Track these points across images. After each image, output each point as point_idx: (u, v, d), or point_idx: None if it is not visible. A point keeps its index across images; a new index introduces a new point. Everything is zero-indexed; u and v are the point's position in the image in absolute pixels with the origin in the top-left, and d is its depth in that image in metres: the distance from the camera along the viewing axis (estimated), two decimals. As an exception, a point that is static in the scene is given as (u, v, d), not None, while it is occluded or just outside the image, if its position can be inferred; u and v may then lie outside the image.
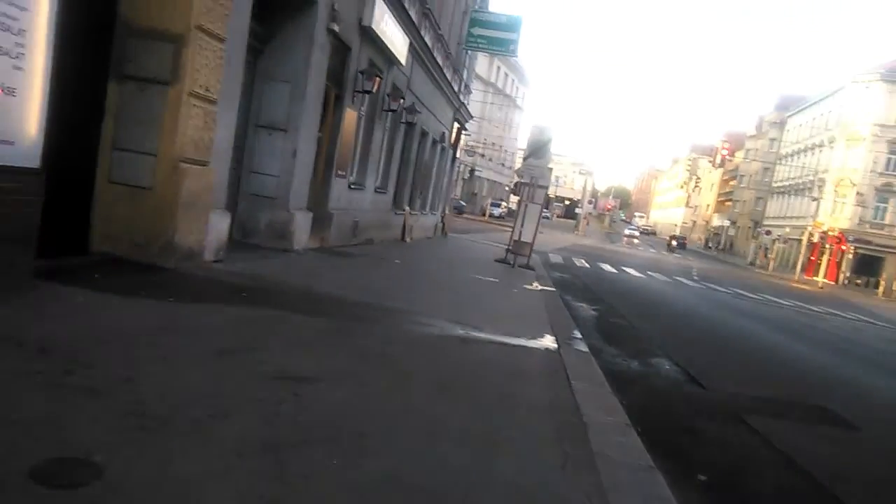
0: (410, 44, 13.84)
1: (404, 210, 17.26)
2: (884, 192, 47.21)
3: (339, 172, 11.56)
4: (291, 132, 9.19)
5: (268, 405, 3.32)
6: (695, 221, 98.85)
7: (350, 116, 11.55)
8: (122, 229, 6.18)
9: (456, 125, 23.38)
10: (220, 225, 7.27)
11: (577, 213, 72.33)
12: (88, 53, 5.89)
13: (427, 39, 15.52)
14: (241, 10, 7.10)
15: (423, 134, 18.61)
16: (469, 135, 41.01)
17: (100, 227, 6.21)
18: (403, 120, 15.48)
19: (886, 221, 47.14)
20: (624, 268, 26.37)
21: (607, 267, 25.00)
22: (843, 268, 47.12)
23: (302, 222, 9.71)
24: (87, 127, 6.14)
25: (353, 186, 12.73)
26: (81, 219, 6.14)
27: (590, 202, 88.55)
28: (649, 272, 26.70)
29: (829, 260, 45.67)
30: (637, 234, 73.88)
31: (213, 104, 6.60)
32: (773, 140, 67.57)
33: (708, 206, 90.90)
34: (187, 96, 6.18)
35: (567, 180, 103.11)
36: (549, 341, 6.63)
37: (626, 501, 2.95)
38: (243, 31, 7.37)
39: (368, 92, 11.65)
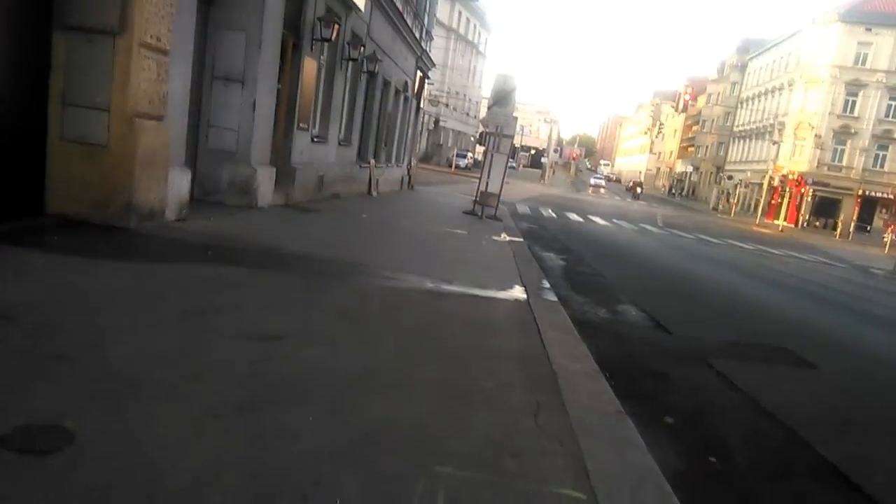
0: (370, -11, 13.44)
1: (369, 163, 17.04)
2: (841, 135, 48.11)
3: (301, 125, 11.30)
4: (249, 84, 8.91)
5: (239, 365, 3.29)
6: (659, 168, 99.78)
7: (309, 66, 11.24)
8: (78, 189, 5.98)
9: (419, 74, 22.95)
10: (180, 182, 7.09)
11: (542, 163, 72.21)
12: (29, 3, 5.58)
13: (387, -16, 15.08)
14: (191, -45, 6.77)
15: (386, 83, 18.25)
16: (432, 84, 40.35)
17: (55, 188, 6.01)
18: (365, 69, 15.13)
19: (844, 164, 48.19)
20: (590, 216, 26.61)
21: (574, 216, 25.19)
22: (803, 210, 48.25)
23: (265, 178, 9.52)
24: (34, 82, 5.87)
25: (315, 139, 12.48)
26: (35, 179, 5.92)
27: (555, 151, 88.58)
28: (615, 220, 27.01)
29: (788, 203, 46.70)
30: (603, 183, 72.77)
31: (164, 55, 6.35)
32: (734, 84, 67.99)
33: (671, 152, 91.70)
34: (138, 46, 5.93)
35: (532, 129, 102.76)
36: (518, 292, 6.68)
37: (596, 445, 3.02)
38: (194, -23, 7.05)
39: (327, 40, 11.32)
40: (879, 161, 47.71)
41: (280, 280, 5.47)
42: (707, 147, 72.98)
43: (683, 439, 3.76)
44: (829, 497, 3.32)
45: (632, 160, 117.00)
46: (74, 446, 2.29)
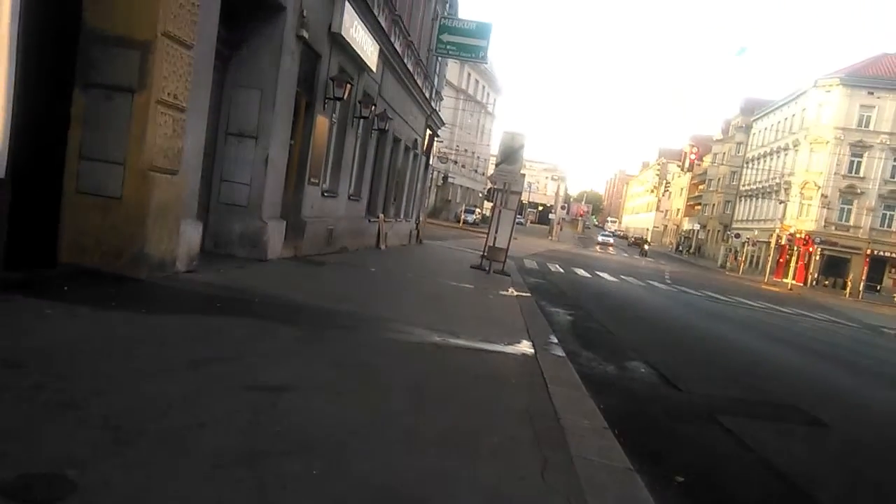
0: (381, 50, 13.84)
1: (378, 217, 17.22)
2: (847, 195, 48.33)
3: (312, 180, 11.49)
4: (262, 139, 9.11)
5: (244, 415, 3.27)
6: (666, 225, 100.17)
7: (321, 123, 11.50)
8: (91, 240, 6.06)
9: (428, 132, 23.42)
10: (191, 234, 7.18)
11: (550, 219, 72.69)
12: (53, 61, 5.78)
13: (397, 46, 15.54)
14: (208, 16, 7.03)
15: (396, 140, 18.60)
16: (441, 141, 41.08)
17: (68, 238, 6.09)
18: (375, 127, 15.46)
19: (851, 223, 48.23)
20: (598, 272, 26.59)
21: (581, 271, 25.19)
22: (811, 269, 48.07)
23: (275, 231, 9.62)
24: (53, 136, 6.02)
25: (326, 194, 12.66)
26: (49, 230, 6.00)
27: (563, 207, 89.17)
28: (622, 276, 26.97)
29: (797, 262, 46.59)
30: (612, 240, 70.37)
31: (181, 112, 6.52)
32: (739, 144, 68.81)
33: (678, 210, 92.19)
34: (155, 104, 6.10)
35: (540, 186, 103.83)
36: (525, 346, 6.64)
37: (605, 502, 2.96)
38: (211, 37, 7.29)
39: (339, 99, 11.61)
40: (887, 221, 47.76)
41: (287, 332, 5.48)
42: (714, 205, 73.39)
43: (693, 498, 3.68)
44: (845, 561, 3.23)
45: (639, 217, 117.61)
46: (76, 495, 2.27)
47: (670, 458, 4.34)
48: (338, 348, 5.22)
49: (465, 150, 64.79)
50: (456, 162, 62.81)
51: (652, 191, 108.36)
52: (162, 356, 4.08)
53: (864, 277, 45.09)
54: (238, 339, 4.86)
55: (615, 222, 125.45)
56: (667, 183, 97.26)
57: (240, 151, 9.14)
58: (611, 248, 62.42)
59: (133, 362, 3.85)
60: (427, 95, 21.12)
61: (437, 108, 24.20)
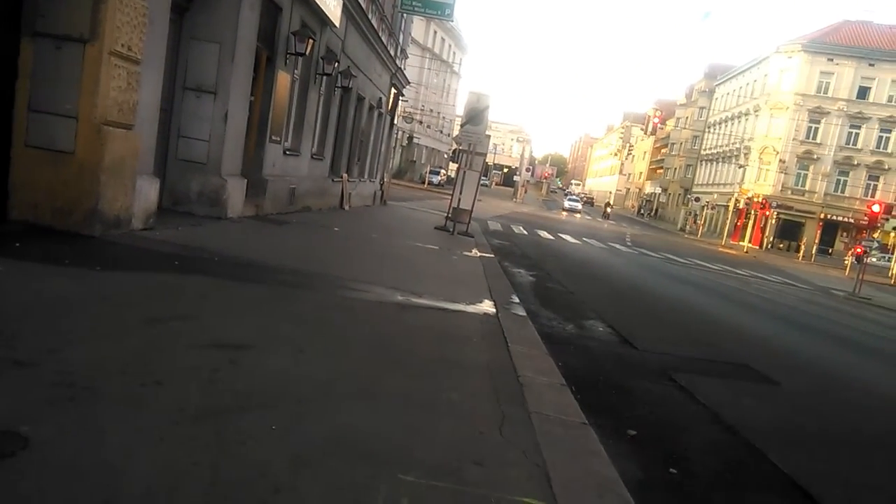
0: (344, 5, 13.50)
1: (342, 177, 17.02)
2: (804, 160, 49.39)
3: (274, 138, 11.27)
4: (221, 95, 8.87)
5: (202, 372, 3.26)
6: (628, 189, 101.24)
7: (283, 79, 11.24)
8: (43, 196, 5.89)
9: (393, 91, 23.07)
10: (148, 191, 7.01)
11: (515, 181, 72.70)
12: (-3, 7, 5.52)
13: (361, 1, 15.17)
14: (165, -36, 6.76)
15: (360, 99, 18.30)
16: (406, 101, 40.56)
17: (19, 195, 5.90)
18: (339, 84, 15.17)
19: (807, 188, 49.43)
20: (561, 234, 26.85)
21: (545, 234, 25.41)
22: (767, 233, 49.30)
23: (235, 189, 9.45)
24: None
25: (288, 152, 12.45)
26: (-3, 185, 5.81)
27: (527, 170, 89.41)
28: (585, 238, 27.29)
29: (753, 225, 47.69)
30: (579, 206, 63.18)
31: (136, 64, 6.30)
32: (702, 108, 69.49)
33: (641, 173, 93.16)
34: (108, 55, 5.88)
35: (505, 148, 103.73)
36: (487, 306, 6.72)
37: (559, 455, 3.05)
38: (168, -13, 7.03)
39: (301, 54, 11.33)
40: (840, 186, 49.05)
41: (247, 290, 5.43)
42: (675, 169, 74.32)
43: (645, 451, 3.81)
44: (785, 508, 3.40)
45: (602, 181, 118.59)
46: (28, 451, 2.25)
47: (624, 413, 4.47)
48: (299, 307, 5.20)
49: (431, 111, 64.12)
50: (421, 122, 62.16)
51: (615, 154, 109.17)
52: (117, 314, 4.02)
53: (817, 241, 46.51)
54: (196, 297, 4.81)
55: (579, 185, 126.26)
56: (630, 146, 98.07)
57: (198, 107, 8.90)
58: (578, 216, 55.04)
59: (87, 320, 3.78)
60: (392, 53, 20.74)
61: (402, 67, 23.81)
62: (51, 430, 2.42)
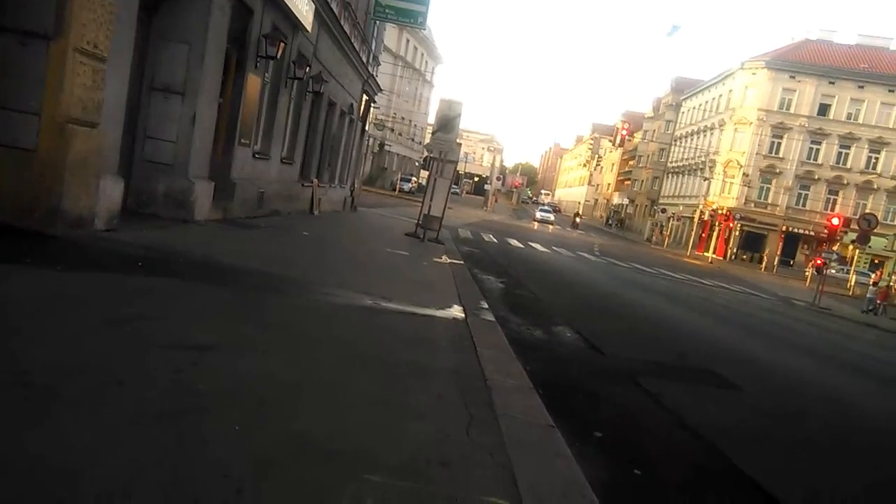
0: (316, 10, 13.46)
1: (312, 182, 16.91)
2: (767, 174, 50.54)
3: (243, 141, 11.16)
4: (190, 96, 8.76)
5: (164, 374, 3.20)
6: (597, 199, 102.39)
7: (253, 82, 11.15)
8: (3, 194, 5.74)
9: (365, 97, 23.03)
10: (112, 191, 6.88)
11: (485, 190, 72.94)
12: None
13: (333, 6, 15.13)
14: (133, -38, 6.67)
15: (331, 104, 18.23)
16: (378, 108, 40.55)
17: (-24, 192, 5.74)
18: (310, 89, 15.08)
19: (769, 201, 50.55)
20: (530, 243, 27.02)
21: (514, 242, 25.53)
22: (731, 244, 50.29)
23: (203, 191, 9.32)
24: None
25: (257, 156, 12.33)
26: (-46, 182, 5.64)
27: (498, 179, 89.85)
28: (554, 247, 27.49)
29: (717, 236, 48.61)
30: (552, 218, 58.66)
31: (101, 62, 6.19)
32: (668, 122, 70.71)
33: (609, 184, 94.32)
34: (73, 52, 5.78)
35: (476, 157, 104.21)
36: (456, 311, 6.72)
37: (526, 457, 3.06)
38: (136, -15, 6.93)
39: (272, 58, 11.25)
40: (802, 200, 50.28)
41: (213, 292, 5.35)
42: (642, 181, 75.43)
43: (610, 453, 3.84)
44: (746, 508, 3.45)
45: (572, 191, 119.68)
46: (-18, 451, 2.18)
47: (591, 416, 4.50)
48: (266, 310, 5.14)
49: (403, 118, 64.18)
50: (393, 130, 62.15)
51: (584, 165, 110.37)
52: (78, 314, 3.92)
53: (779, 252, 47.53)
54: (160, 299, 4.72)
55: (548, 195, 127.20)
56: (599, 157, 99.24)
57: (166, 107, 8.77)
58: (551, 228, 50.40)
59: (47, 320, 3.68)
60: (364, 59, 20.72)
61: (375, 74, 23.79)
62: (7, 431, 2.35)
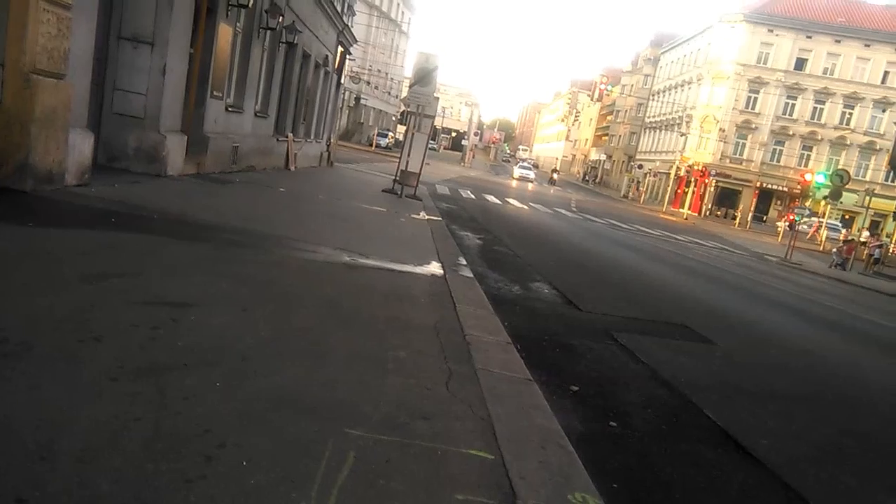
0: (290, -43, 13.05)
1: (287, 136, 16.64)
2: (743, 129, 50.80)
3: (215, 93, 10.90)
4: (159, 46, 8.50)
5: (143, 330, 3.17)
6: (574, 155, 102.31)
7: (225, 32, 10.83)
8: (-34, 148, 5.56)
9: (340, 49, 22.53)
10: (81, 145, 6.71)
11: (463, 145, 72.41)
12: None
13: (308, -47, 14.69)
14: None
15: (305, 56, 17.82)
16: (354, 60, 39.77)
17: (-62, 146, 5.56)
18: (283, 39, 14.71)
19: (745, 157, 50.94)
20: (508, 199, 27.03)
21: (492, 198, 25.52)
22: (706, 200, 50.79)
23: (175, 145, 9.14)
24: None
25: (230, 109, 12.07)
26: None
27: (476, 134, 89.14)
28: (531, 204, 27.55)
29: (693, 193, 49.02)
30: (533, 175, 57.18)
31: (66, 9, 5.96)
32: (647, 76, 70.39)
33: (587, 140, 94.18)
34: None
35: (454, 111, 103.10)
36: (435, 267, 6.73)
37: (504, 409, 3.11)
38: (100, -72, 6.63)
39: (244, 6, 10.93)
40: (776, 156, 50.74)
41: (189, 249, 5.29)
42: (620, 136, 75.40)
43: (587, 405, 3.92)
44: (716, 456, 3.56)
45: (549, 146, 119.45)
46: (-42, 409, 2.16)
47: (568, 370, 4.58)
48: (244, 266, 5.10)
49: (379, 71, 63.06)
50: (369, 83, 61.10)
51: (562, 120, 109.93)
52: (53, 270, 3.86)
53: (752, 209, 48.16)
54: (136, 255, 4.66)
55: (526, 150, 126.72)
56: (577, 113, 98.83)
57: (135, 58, 8.51)
58: (531, 186, 49.46)
59: (20, 277, 3.62)
60: (338, 9, 20.20)
61: (350, 24, 23.24)
62: (-19, 387, 2.32)
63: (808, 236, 29.33)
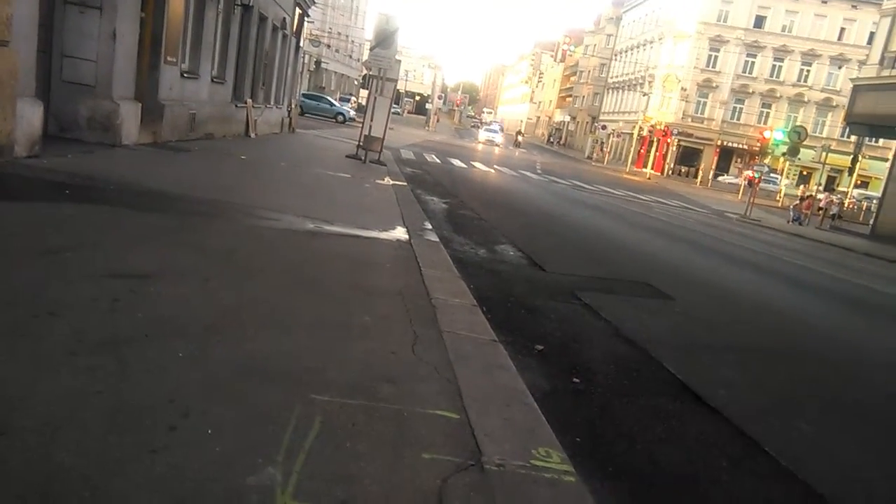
0: (243, -85, 12.59)
1: (246, 103, 16.28)
2: (704, 88, 51.23)
3: (169, 59, 10.58)
4: (108, 10, 8.19)
5: (102, 303, 3.13)
6: (539, 117, 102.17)
7: (177, -5, 10.47)
8: None
9: (298, 11, 21.96)
10: (30, 115, 6.48)
11: (427, 109, 71.64)
12: None
13: (261, -89, 14.19)
14: None
15: (262, 19, 17.34)
16: (313, 22, 38.85)
17: None
18: (239, 2, 14.28)
19: (706, 116, 51.50)
20: (473, 163, 26.98)
21: (457, 162, 25.43)
22: (668, 159, 51.38)
23: (129, 114, 8.88)
24: None
25: (186, 75, 11.74)
26: None
27: (440, 97, 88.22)
28: (496, 167, 27.55)
29: (656, 152, 49.49)
30: (499, 139, 54.18)
31: (6, -28, 5.69)
32: (609, 36, 70.22)
33: (551, 101, 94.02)
34: (-28, -39, 5.27)
35: (417, 75, 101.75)
36: (400, 233, 6.73)
37: (469, 371, 3.16)
38: None
39: (197, -32, 10.56)
40: (736, 114, 51.39)
41: (147, 219, 5.19)
42: (583, 97, 75.40)
43: (551, 363, 4.00)
44: (675, 408, 3.68)
45: (514, 109, 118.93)
46: (-89, 388, 2.12)
47: (532, 330, 4.65)
48: (204, 236, 5.03)
49: (339, 34, 61.74)
50: (329, 46, 59.83)
51: (526, 81, 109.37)
52: (5, 245, 3.76)
53: (713, 167, 48.92)
54: (92, 228, 4.56)
55: (491, 113, 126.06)
56: (541, 74, 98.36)
57: (82, 23, 8.19)
58: (497, 147, 48.96)
59: (-31, 252, 3.52)
60: (295, -30, 19.64)
61: (307, -14, 22.64)
62: (-66, 365, 2.27)
63: (799, 195, 29.89)
